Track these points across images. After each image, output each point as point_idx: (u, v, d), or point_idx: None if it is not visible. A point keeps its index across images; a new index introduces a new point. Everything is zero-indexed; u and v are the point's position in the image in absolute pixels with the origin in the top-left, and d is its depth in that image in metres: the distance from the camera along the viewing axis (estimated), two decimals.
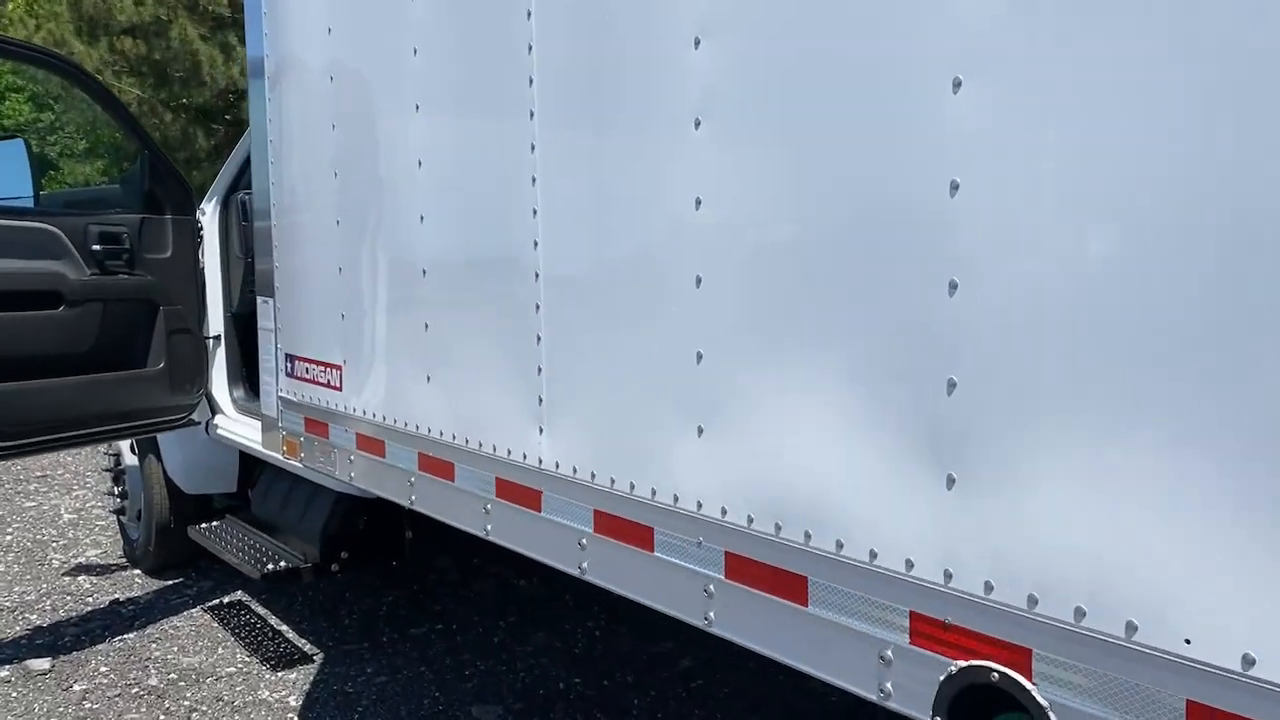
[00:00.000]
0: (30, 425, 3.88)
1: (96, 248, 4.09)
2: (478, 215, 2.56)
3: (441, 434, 2.72)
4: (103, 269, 4.14)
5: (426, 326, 2.73)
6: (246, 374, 4.86)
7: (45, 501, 6.68)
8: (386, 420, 2.96)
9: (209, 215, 4.71)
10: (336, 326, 3.16)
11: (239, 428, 4.62)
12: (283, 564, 4.06)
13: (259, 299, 3.80)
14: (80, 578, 5.23)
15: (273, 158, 3.55)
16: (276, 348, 3.64)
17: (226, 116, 18.69)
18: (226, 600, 4.88)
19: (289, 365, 3.54)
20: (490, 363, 2.52)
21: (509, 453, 2.47)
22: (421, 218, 2.73)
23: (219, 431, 4.66)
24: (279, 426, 3.68)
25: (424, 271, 2.73)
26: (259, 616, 4.66)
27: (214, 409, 4.73)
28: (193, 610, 4.77)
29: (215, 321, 4.71)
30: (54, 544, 5.81)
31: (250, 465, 4.95)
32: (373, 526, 4.14)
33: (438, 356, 2.72)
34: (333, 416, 3.26)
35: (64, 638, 4.46)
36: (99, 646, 4.36)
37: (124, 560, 5.47)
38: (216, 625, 4.58)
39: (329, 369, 3.18)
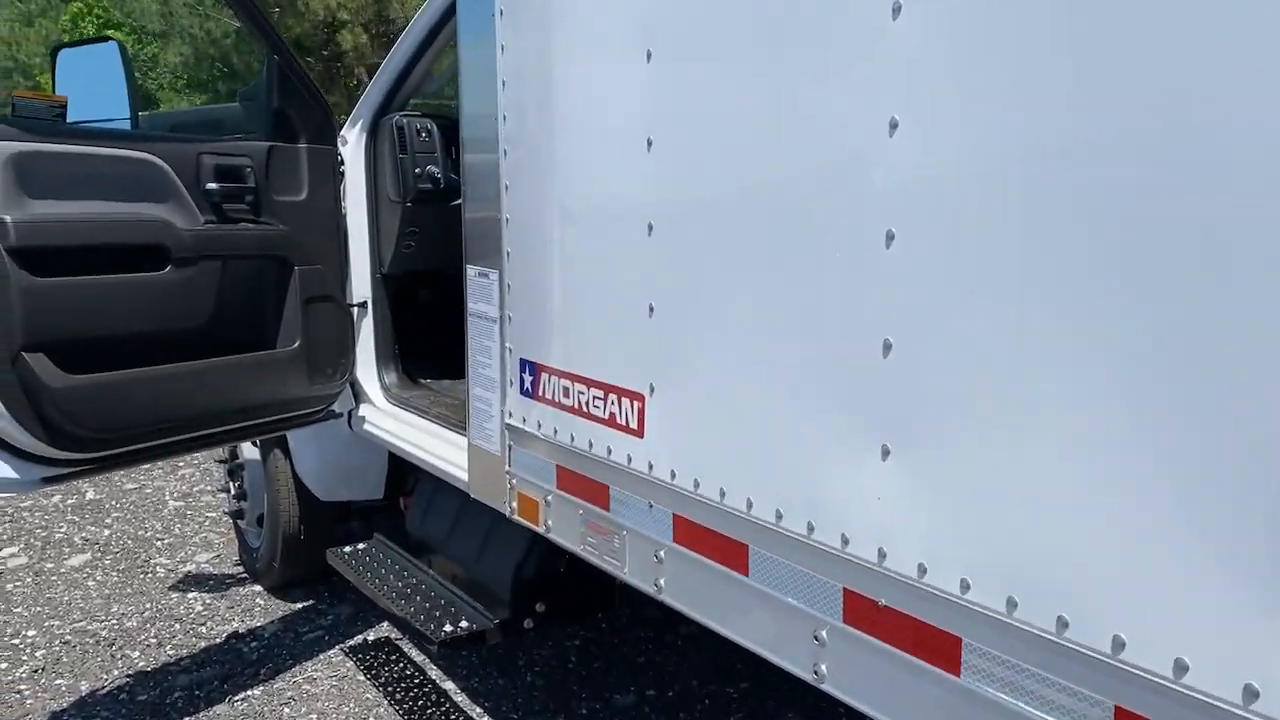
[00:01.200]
0: (127, 430, 2.83)
1: (212, 186, 3.00)
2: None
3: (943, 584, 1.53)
4: (220, 215, 3.05)
5: (889, 347, 1.52)
6: (400, 353, 3.76)
7: (148, 483, 5.76)
8: (764, 514, 1.73)
9: (351, 145, 3.59)
10: (637, 327, 1.98)
11: (390, 423, 3.54)
12: (463, 624, 2.97)
13: (470, 268, 2.62)
14: (190, 595, 4.25)
15: (507, 35, 2.37)
16: (503, 347, 2.48)
17: (324, 51, 17.76)
18: (372, 639, 3.84)
19: (527, 378, 2.39)
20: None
21: None
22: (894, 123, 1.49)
23: (365, 427, 3.59)
24: (507, 470, 2.53)
25: (890, 236, 1.51)
26: (415, 666, 3.61)
27: (358, 397, 3.65)
28: (330, 653, 3.74)
29: (360, 285, 3.60)
30: (158, 542, 4.86)
31: (401, 467, 3.88)
32: (575, 568, 3.02)
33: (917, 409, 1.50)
34: (622, 478, 2.10)
35: (173, 691, 3.47)
36: (217, 709, 3.35)
37: (240, 570, 4.49)
38: (363, 678, 3.54)
39: (618, 397, 2.01)
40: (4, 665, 3.63)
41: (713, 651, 3.67)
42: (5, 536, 4.89)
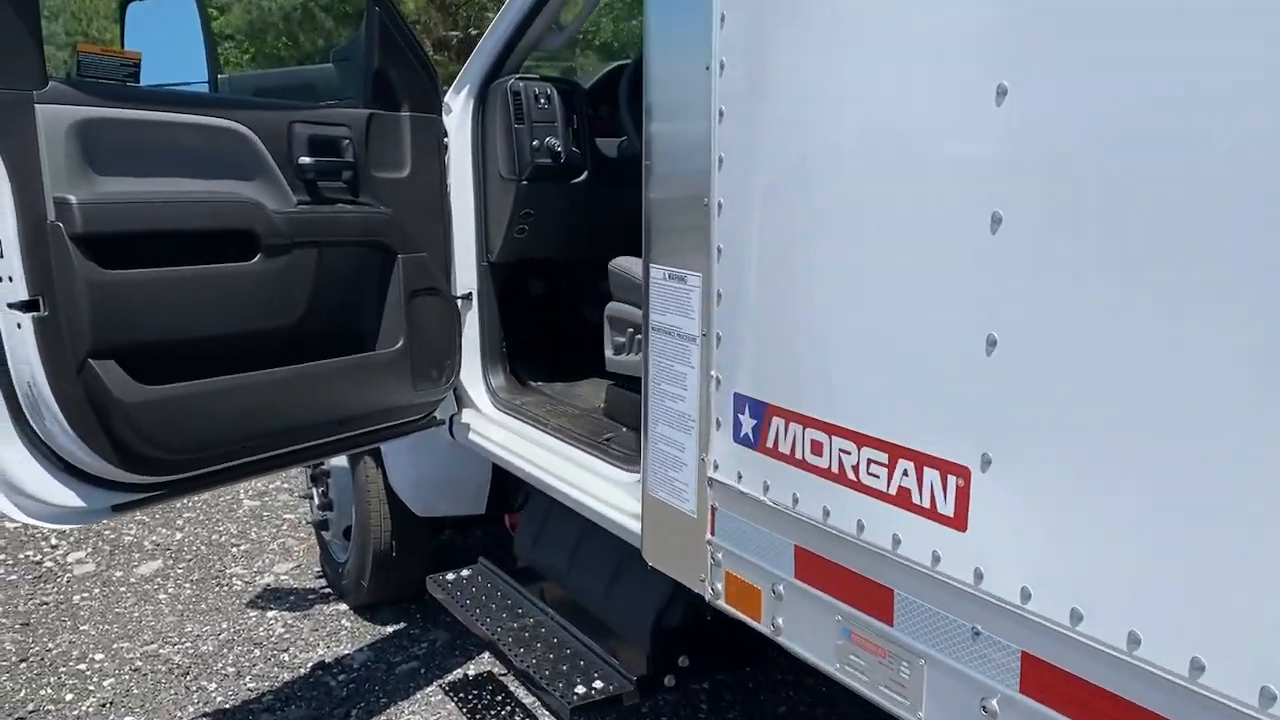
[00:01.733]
0: (210, 449, 2.41)
1: (306, 161, 2.56)
2: None
3: None
4: (314, 195, 2.61)
5: None
6: (507, 352, 3.30)
7: None
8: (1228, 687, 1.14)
9: (456, 114, 3.11)
10: (964, 368, 1.39)
11: (498, 433, 3.09)
12: (596, 685, 2.52)
13: (656, 269, 2.07)
14: (270, 614, 3.85)
15: None
16: (705, 376, 1.91)
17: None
18: (472, 673, 3.41)
19: (746, 421, 1.80)
20: None
21: None
22: None
23: (470, 436, 3.14)
24: (708, 540, 1.95)
25: None
26: (525, 711, 3.17)
27: (460, 402, 3.21)
28: (428, 690, 3.31)
29: (464, 274, 3.14)
30: (233, 549, 4.48)
31: (504, 479, 3.44)
32: (721, 617, 2.55)
33: None
34: (921, 583, 1.50)
35: None
36: None
37: (322, 583, 4.09)
38: None
39: (918, 467, 1.43)
40: (70, 696, 3.26)
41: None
42: (73, 539, 4.55)
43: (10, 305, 2.10)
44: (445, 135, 3.00)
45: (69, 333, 2.13)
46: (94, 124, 2.17)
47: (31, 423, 2.19)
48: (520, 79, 3.00)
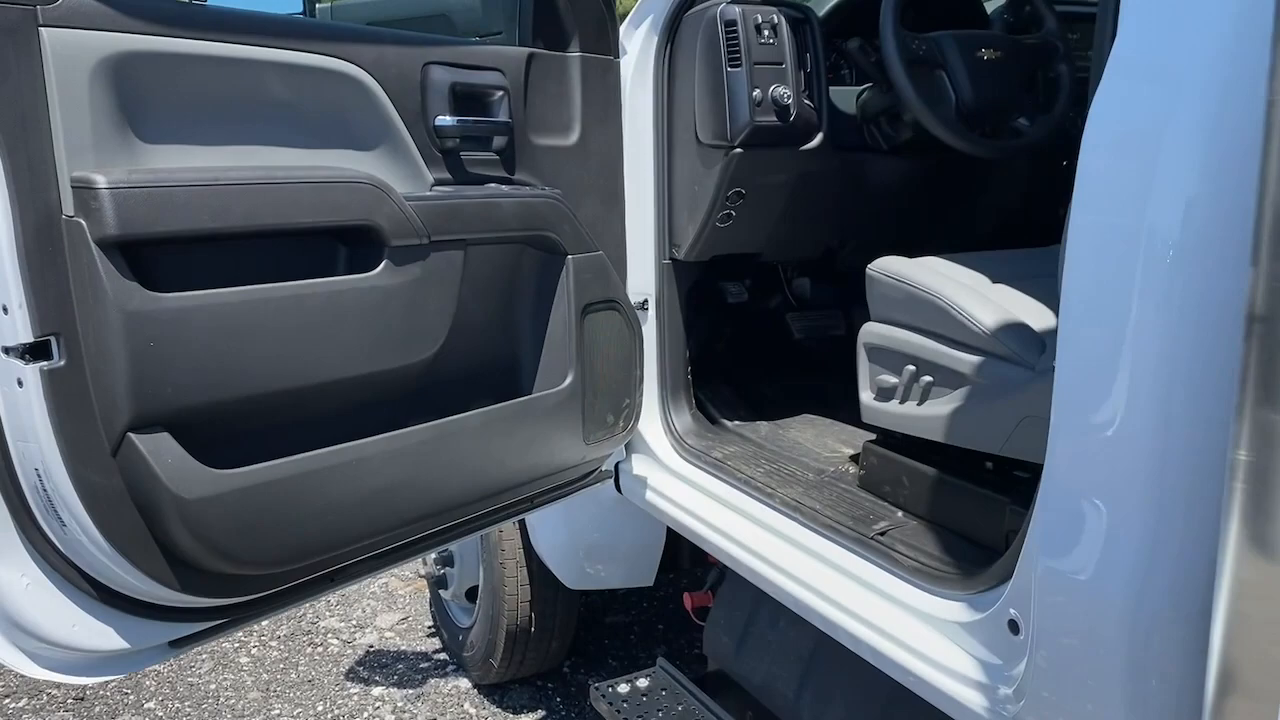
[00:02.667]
0: (310, 552, 1.61)
1: (445, 121, 1.75)
2: None
3: None
4: (457, 171, 1.80)
5: None
6: (695, 382, 2.46)
7: None
8: None
9: (634, 57, 2.26)
10: None
11: (685, 493, 2.27)
12: None
13: None
14: (374, 690, 3.10)
15: None
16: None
17: None
18: None
19: None
20: None
21: None
22: None
23: (647, 496, 2.33)
24: None
25: None
26: None
27: (630, 446, 2.39)
28: None
29: (636, 274, 2.30)
30: (327, 598, 3.74)
31: (679, 544, 2.63)
32: None
33: None
34: None
35: None
36: None
37: (435, 644, 3.33)
38: None
39: None
40: None
41: None
42: None
43: (7, 350, 1.33)
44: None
45: (98, 392, 1.35)
46: (135, 61, 1.38)
47: (44, 527, 1.42)
48: (734, 2, 2.14)
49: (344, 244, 1.62)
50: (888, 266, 1.94)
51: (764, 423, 2.48)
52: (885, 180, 2.43)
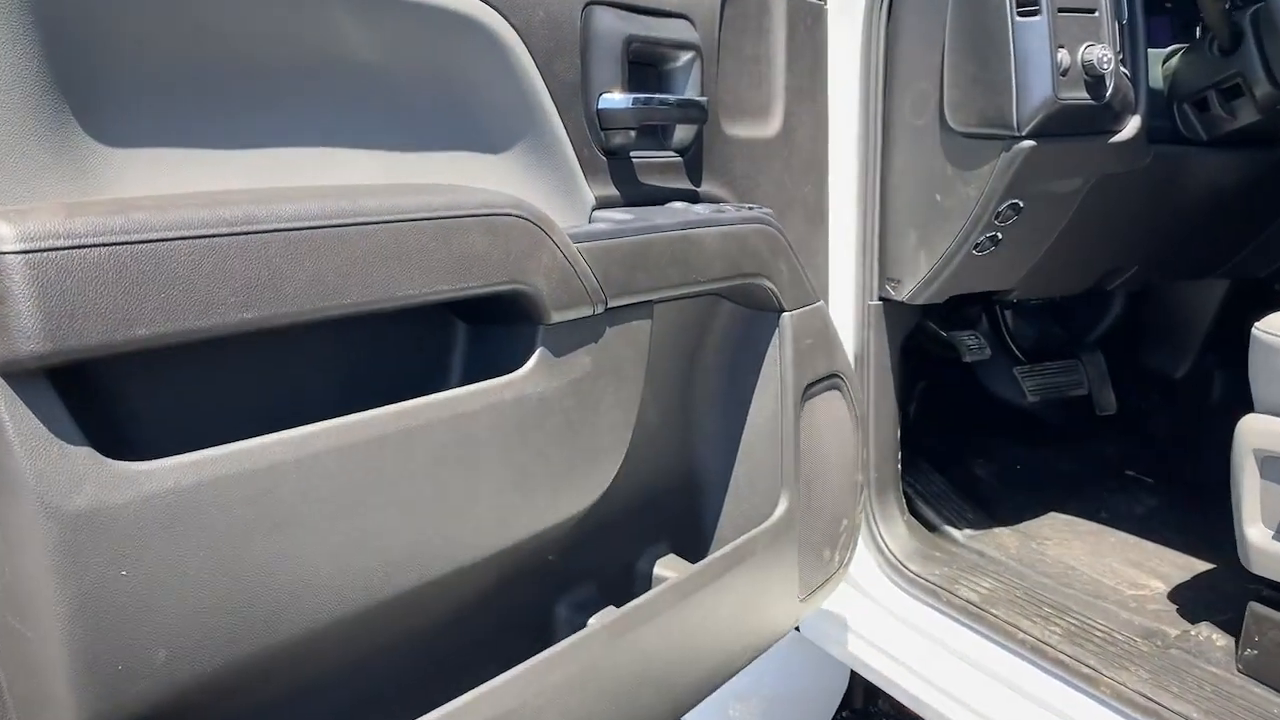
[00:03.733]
0: None
1: (615, 103, 1.03)
2: None
3: None
4: (624, 181, 1.09)
5: None
6: (902, 470, 1.74)
7: None
8: None
9: (834, 5, 1.52)
10: None
11: (897, 635, 1.55)
12: None
13: None
14: None
15: None
16: None
17: None
18: None
19: None
20: None
21: None
22: None
23: (849, 643, 1.61)
24: None
25: None
26: None
27: None
28: None
29: (836, 319, 1.56)
30: None
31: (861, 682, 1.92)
32: None
33: None
34: None
35: None
36: None
37: None
38: None
39: None
40: None
41: None
42: None
43: None
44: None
45: (13, 692, 0.63)
46: None
47: None
48: None
49: (465, 322, 0.91)
50: None
51: (1005, 529, 1.76)
52: (1203, 184, 1.71)
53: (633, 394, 1.02)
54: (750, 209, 1.20)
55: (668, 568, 1.23)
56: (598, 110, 1.04)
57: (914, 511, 1.74)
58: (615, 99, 1.04)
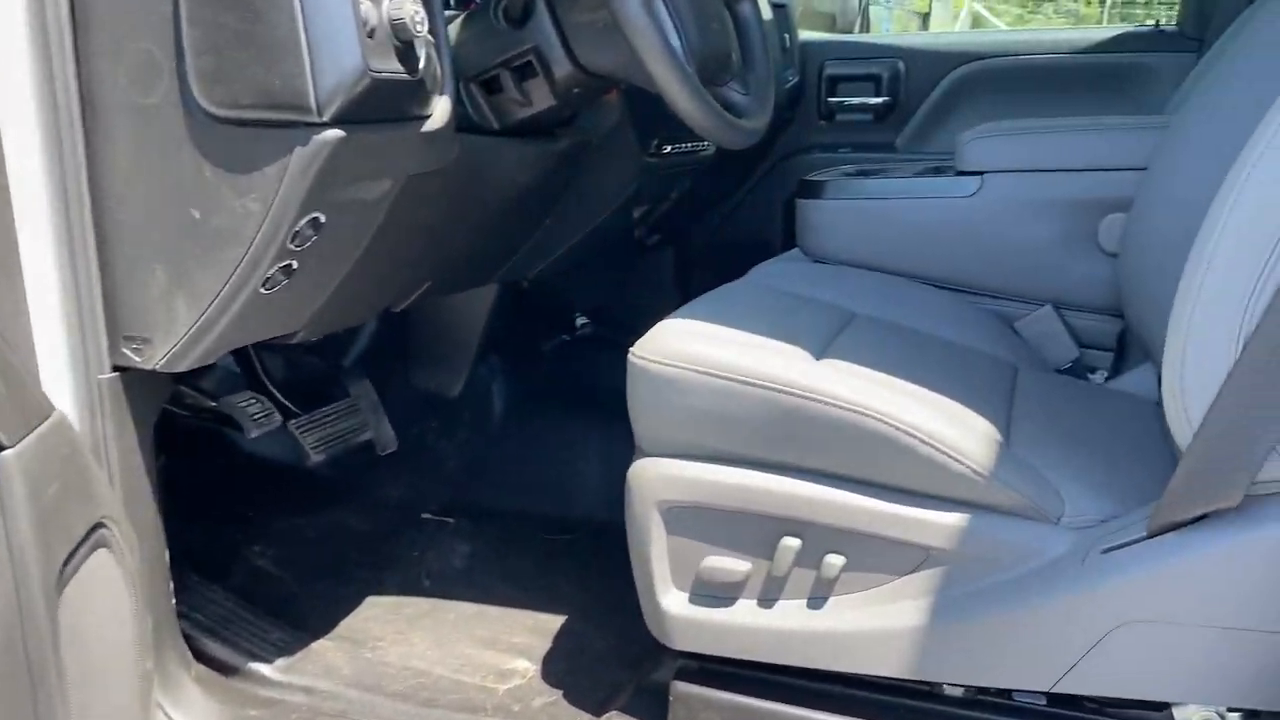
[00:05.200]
0: None
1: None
2: None
3: None
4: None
5: None
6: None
7: None
8: None
9: None
10: None
11: None
12: None
13: None
14: None
15: None
16: None
17: None
18: None
19: None
20: None
21: None
22: None
23: None
24: None
25: None
26: None
27: None
28: None
29: (58, 396, 1.08)
30: None
31: None
32: None
33: None
34: None
35: None
36: None
37: None
38: None
39: None
40: None
41: None
42: None
43: None
44: None
45: None
46: None
47: None
48: None
49: None
50: (686, 351, 1.07)
51: (324, 642, 1.43)
52: (501, 183, 1.44)
53: None
54: None
55: None
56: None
57: (202, 656, 1.33)
58: None
